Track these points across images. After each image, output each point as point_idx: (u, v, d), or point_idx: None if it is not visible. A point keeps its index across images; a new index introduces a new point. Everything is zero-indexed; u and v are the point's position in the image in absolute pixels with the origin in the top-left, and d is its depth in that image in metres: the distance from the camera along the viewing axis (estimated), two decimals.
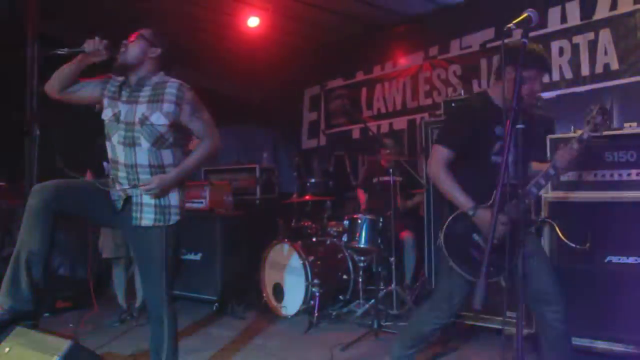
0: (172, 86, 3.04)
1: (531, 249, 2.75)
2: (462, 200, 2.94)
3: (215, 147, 3.22)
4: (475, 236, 2.98)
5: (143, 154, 3.00)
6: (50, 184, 2.91)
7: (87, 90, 3.12)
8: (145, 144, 3.00)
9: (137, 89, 3.06)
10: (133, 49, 3.05)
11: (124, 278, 5.23)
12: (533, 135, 3.10)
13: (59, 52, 2.98)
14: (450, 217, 3.02)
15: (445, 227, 3.02)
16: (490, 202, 2.88)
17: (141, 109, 3.01)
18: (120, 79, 3.12)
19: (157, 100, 3.01)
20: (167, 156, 3.07)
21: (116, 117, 3.04)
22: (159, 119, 2.98)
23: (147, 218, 3.04)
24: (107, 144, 3.11)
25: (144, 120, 2.98)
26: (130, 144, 3.01)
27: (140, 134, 2.99)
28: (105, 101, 3.11)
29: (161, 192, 3.02)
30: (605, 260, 3.73)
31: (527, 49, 2.56)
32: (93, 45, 2.94)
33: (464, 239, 3.00)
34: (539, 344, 3.10)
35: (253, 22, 6.70)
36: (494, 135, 2.95)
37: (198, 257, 5.78)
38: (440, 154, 3.03)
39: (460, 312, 4.19)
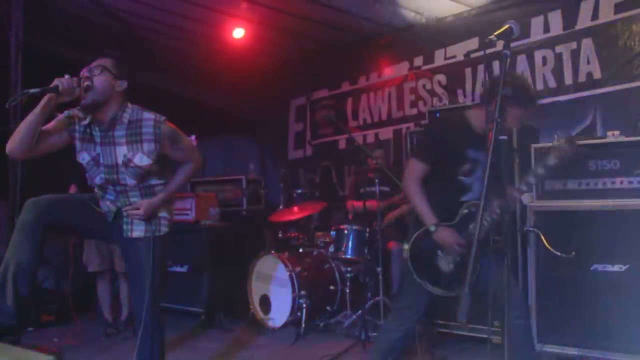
0: (147, 124, 2.99)
1: (494, 259, 2.79)
2: (427, 215, 3.07)
3: (198, 167, 3.34)
4: (440, 252, 3.09)
5: (131, 184, 3.06)
6: (43, 198, 2.91)
7: (53, 139, 2.94)
8: (131, 181, 3.04)
9: (109, 128, 2.98)
10: (100, 85, 2.89)
11: (109, 292, 5.19)
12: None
13: (31, 91, 2.71)
14: (418, 232, 3.13)
15: (412, 241, 3.15)
16: (455, 221, 3.05)
17: (121, 150, 2.98)
18: (85, 117, 2.98)
19: (136, 141, 2.98)
20: (154, 179, 3.13)
21: (95, 161, 3.02)
22: (142, 160, 2.99)
23: (137, 230, 3.09)
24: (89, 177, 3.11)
25: (127, 163, 2.98)
26: (115, 182, 3.04)
27: (125, 174, 3.02)
28: (78, 144, 3.02)
29: (148, 215, 3.05)
30: (591, 269, 3.75)
31: (525, 86, 2.92)
32: (66, 84, 2.74)
33: (429, 253, 3.11)
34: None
35: (238, 33, 6.70)
36: (465, 157, 3.06)
37: (184, 269, 5.74)
38: (414, 166, 3.15)
39: (430, 318, 4.33)
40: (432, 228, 3.04)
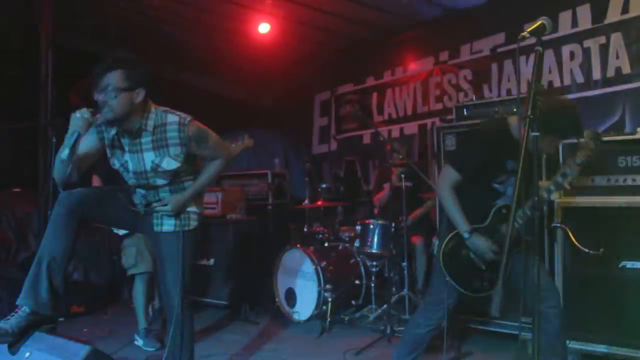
0: (172, 128, 2.96)
1: (525, 256, 2.80)
2: (461, 223, 3.10)
3: (227, 162, 3.30)
4: (472, 255, 3.14)
5: (161, 184, 3.12)
6: (76, 192, 2.95)
7: (91, 156, 3.02)
8: (161, 182, 3.10)
9: (136, 136, 2.99)
10: (118, 107, 2.83)
11: (145, 294, 4.77)
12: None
13: (62, 158, 2.72)
14: (451, 234, 3.17)
15: (445, 242, 3.18)
16: (486, 223, 3.10)
17: (149, 156, 3.01)
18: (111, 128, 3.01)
19: (162, 146, 3.00)
20: (183, 176, 3.17)
21: (125, 168, 3.08)
22: (170, 164, 3.03)
23: (167, 224, 3.14)
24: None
25: (156, 168, 3.03)
26: (146, 185, 3.10)
27: (155, 177, 3.08)
28: (108, 151, 3.09)
29: (176, 212, 3.09)
30: (619, 266, 3.71)
31: (572, 118, 2.94)
32: (86, 125, 2.73)
33: (461, 256, 3.16)
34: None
35: (264, 28, 6.73)
36: (504, 168, 3.10)
37: (211, 262, 5.80)
38: (450, 174, 3.16)
39: (457, 313, 4.27)
40: (466, 235, 3.07)
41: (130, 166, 3.05)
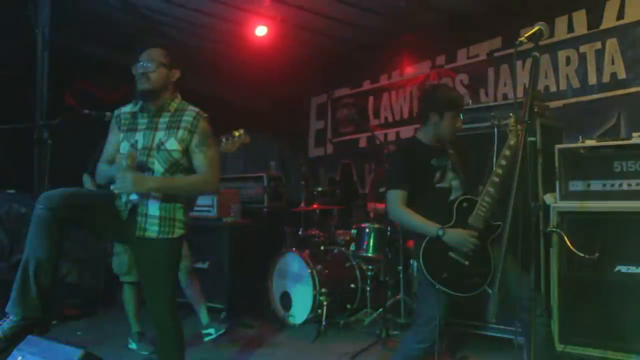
0: (189, 114, 3.07)
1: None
2: (429, 227, 3.15)
3: (210, 186, 3.15)
4: (452, 254, 3.13)
5: (157, 170, 3.03)
6: (57, 192, 2.89)
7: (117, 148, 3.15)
8: (159, 169, 3.02)
9: (157, 114, 3.08)
10: (156, 80, 3.04)
11: (133, 302, 4.71)
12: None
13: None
14: (424, 243, 3.16)
15: (421, 252, 3.15)
16: (453, 221, 3.13)
17: (159, 135, 3.04)
18: (131, 108, 3.15)
19: (174, 127, 3.04)
20: (179, 176, 3.09)
21: (134, 148, 3.05)
22: (172, 145, 3.01)
23: (151, 230, 3.00)
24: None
25: (160, 146, 3.01)
26: (143, 166, 3.02)
27: (155, 159, 3.02)
28: (121, 136, 3.13)
29: (133, 186, 2.89)
30: (615, 270, 3.72)
31: (445, 95, 3.26)
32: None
33: (442, 259, 3.14)
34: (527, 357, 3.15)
35: (261, 31, 6.71)
36: (432, 166, 3.25)
37: (206, 265, 5.79)
38: (393, 197, 3.26)
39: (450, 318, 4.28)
40: (440, 232, 3.09)
41: (140, 144, 3.04)
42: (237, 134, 3.86)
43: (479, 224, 3.05)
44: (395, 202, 3.23)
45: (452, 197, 3.24)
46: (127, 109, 3.19)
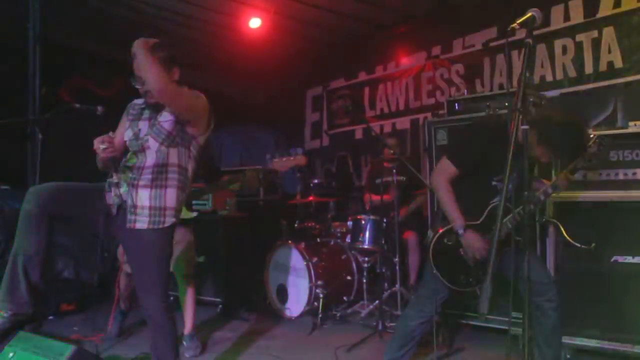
0: None
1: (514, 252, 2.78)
2: (455, 217, 3.09)
3: (160, 82, 2.89)
4: (461, 251, 3.12)
5: (151, 155, 2.99)
6: (45, 187, 2.88)
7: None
8: (154, 144, 2.99)
9: (160, 110, 3.06)
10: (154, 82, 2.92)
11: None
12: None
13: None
14: (443, 230, 3.16)
15: (437, 235, 3.16)
16: (480, 221, 3.09)
17: (159, 118, 3.06)
18: (143, 101, 3.15)
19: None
20: (172, 155, 3.03)
21: (136, 136, 3.05)
22: (164, 117, 3.00)
23: (141, 220, 2.95)
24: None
25: (154, 124, 3.02)
26: (141, 149, 3.00)
27: (149, 135, 3.00)
28: (127, 124, 3.15)
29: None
30: (611, 260, 3.70)
31: (571, 135, 2.96)
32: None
33: (451, 251, 3.15)
34: (536, 343, 3.15)
35: (255, 23, 6.68)
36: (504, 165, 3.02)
37: (201, 258, 5.75)
38: (447, 168, 3.14)
39: (448, 309, 4.33)
40: (460, 231, 3.06)
41: (141, 133, 3.04)
42: (293, 154, 3.80)
43: (501, 234, 2.94)
44: (444, 174, 3.13)
45: (495, 199, 3.11)
46: (139, 101, 3.20)
